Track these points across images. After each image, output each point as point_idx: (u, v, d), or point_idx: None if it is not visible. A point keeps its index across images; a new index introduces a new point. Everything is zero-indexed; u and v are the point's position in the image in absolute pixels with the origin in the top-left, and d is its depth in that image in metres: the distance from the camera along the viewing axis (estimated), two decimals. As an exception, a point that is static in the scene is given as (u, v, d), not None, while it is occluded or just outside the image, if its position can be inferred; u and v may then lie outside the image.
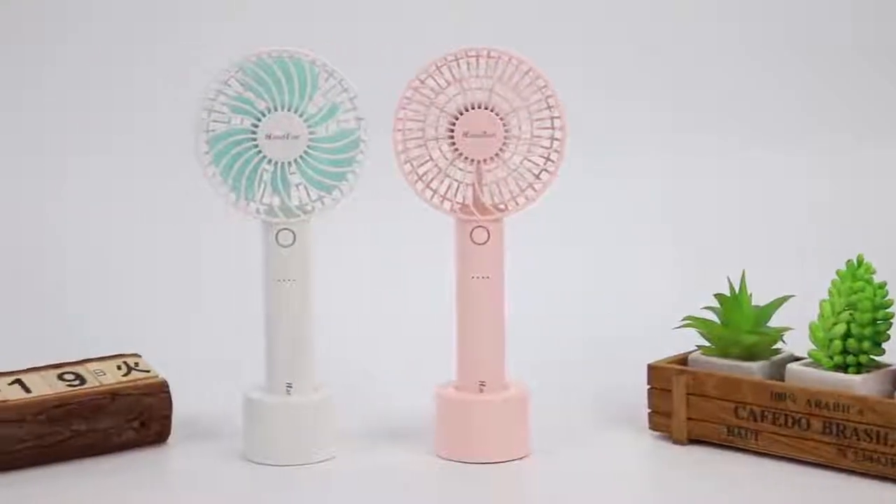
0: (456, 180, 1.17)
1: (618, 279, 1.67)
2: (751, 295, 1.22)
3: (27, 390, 1.18)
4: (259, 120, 1.15)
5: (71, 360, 1.23)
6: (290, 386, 1.17)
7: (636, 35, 1.81)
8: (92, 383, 1.20)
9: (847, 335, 1.15)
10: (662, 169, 1.80)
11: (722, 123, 1.82)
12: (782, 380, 1.17)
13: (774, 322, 1.22)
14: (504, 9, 1.78)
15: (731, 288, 1.22)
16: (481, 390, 1.18)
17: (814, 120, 1.83)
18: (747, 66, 1.84)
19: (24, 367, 1.21)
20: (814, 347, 1.18)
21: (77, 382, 1.20)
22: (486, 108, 1.15)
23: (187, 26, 1.77)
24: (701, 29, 1.83)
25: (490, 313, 1.17)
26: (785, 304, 1.22)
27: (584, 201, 1.70)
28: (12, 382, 1.18)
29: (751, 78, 1.84)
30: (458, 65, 1.15)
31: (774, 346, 1.21)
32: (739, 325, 1.21)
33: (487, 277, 1.17)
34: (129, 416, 1.20)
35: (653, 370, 1.22)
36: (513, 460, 1.17)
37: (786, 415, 1.14)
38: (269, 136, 1.15)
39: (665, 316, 1.29)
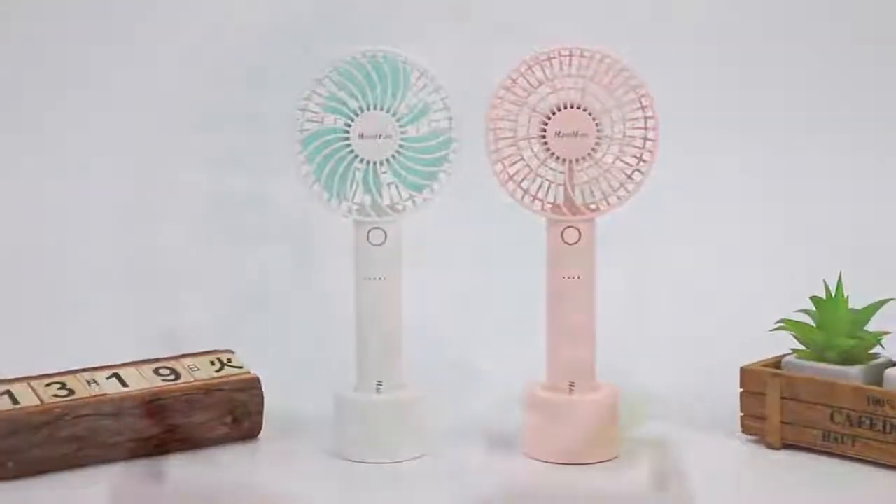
0: (547, 180, 1.16)
1: (707, 279, 1.65)
2: (847, 298, 1.20)
3: (124, 384, 1.20)
4: (352, 119, 1.16)
5: (166, 356, 1.25)
6: (380, 384, 1.18)
7: (636, 34, 1.78)
8: (186, 379, 1.22)
9: (948, 340, 1.13)
10: (759, 167, 1.78)
11: (832, 122, 1.79)
12: (880, 385, 1.15)
13: (872, 326, 1.20)
14: (502, 9, 1.76)
15: (828, 291, 1.20)
16: (571, 391, 1.17)
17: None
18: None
19: (122, 362, 1.23)
20: (913, 352, 1.15)
21: (172, 377, 1.21)
22: (578, 108, 1.15)
23: (187, 25, 1.77)
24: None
25: (580, 314, 1.16)
26: (883, 308, 1.20)
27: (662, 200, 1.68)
28: (110, 376, 1.20)
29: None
30: (551, 64, 1.15)
31: (872, 351, 1.19)
32: (836, 328, 1.18)
33: (578, 278, 1.16)
34: (222, 412, 1.21)
35: (745, 373, 1.20)
36: (602, 461, 1.17)
37: (884, 420, 1.12)
38: (361, 136, 1.16)
39: (756, 318, 1.27)
